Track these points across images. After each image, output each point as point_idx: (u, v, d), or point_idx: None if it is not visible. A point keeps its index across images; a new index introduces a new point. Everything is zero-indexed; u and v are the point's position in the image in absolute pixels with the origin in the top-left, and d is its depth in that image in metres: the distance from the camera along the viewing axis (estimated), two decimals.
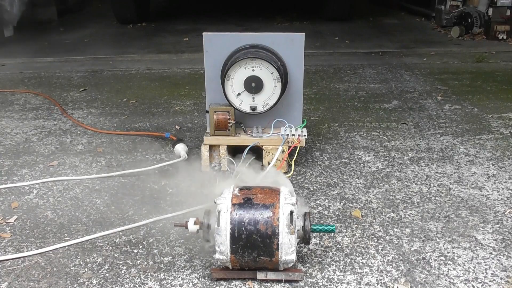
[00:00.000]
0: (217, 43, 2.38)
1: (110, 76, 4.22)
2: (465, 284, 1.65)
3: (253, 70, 2.30)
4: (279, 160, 2.34)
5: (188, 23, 6.52)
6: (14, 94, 3.76)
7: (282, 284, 1.65)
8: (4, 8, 5.44)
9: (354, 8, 6.58)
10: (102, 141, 2.85)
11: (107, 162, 2.58)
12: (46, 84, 3.99)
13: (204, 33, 2.39)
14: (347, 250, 1.83)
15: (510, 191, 2.24)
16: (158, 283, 1.67)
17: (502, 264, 1.75)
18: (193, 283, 1.67)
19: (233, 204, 1.61)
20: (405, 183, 2.33)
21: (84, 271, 1.74)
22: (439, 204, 2.14)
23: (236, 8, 7.36)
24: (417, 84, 3.86)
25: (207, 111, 2.42)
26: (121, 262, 1.79)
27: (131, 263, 1.78)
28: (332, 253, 1.81)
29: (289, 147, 2.35)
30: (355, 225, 1.99)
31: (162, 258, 1.80)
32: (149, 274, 1.72)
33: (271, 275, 1.65)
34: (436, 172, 2.43)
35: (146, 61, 4.73)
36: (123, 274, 1.72)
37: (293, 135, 2.36)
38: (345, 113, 3.26)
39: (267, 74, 2.30)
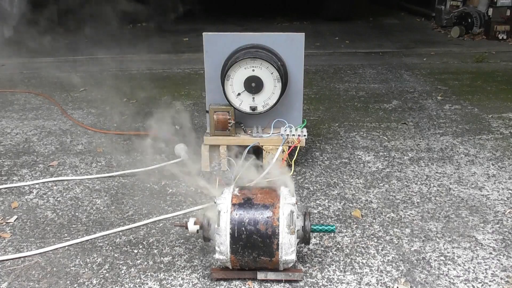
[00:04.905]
0: (217, 43, 2.38)
1: (110, 76, 4.21)
2: (465, 284, 1.65)
3: (253, 70, 2.30)
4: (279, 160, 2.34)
5: (188, 23, 6.51)
6: (14, 94, 3.76)
7: (282, 284, 1.65)
8: (4, 8, 5.44)
9: (354, 8, 6.58)
10: (102, 141, 2.85)
11: (107, 162, 2.58)
12: (46, 84, 3.99)
13: (204, 33, 2.39)
14: (347, 250, 1.83)
15: (510, 191, 2.24)
16: (158, 283, 1.67)
17: (502, 264, 1.75)
18: (193, 283, 1.67)
19: (233, 204, 1.61)
20: (405, 183, 2.33)
21: (84, 271, 1.74)
22: (439, 204, 2.14)
23: (236, 8, 7.36)
24: (417, 84, 3.86)
25: (207, 111, 2.42)
26: (121, 262, 1.79)
27: (131, 263, 1.78)
28: (332, 253, 1.81)
29: (289, 147, 2.35)
30: (355, 225, 1.99)
31: (162, 258, 1.80)
32: (149, 274, 1.72)
33: (271, 275, 1.65)
34: (436, 172, 2.43)
35: (146, 61, 4.73)
36: (123, 274, 1.72)
37: (293, 135, 2.36)
38: (345, 113, 3.25)
39: (267, 74, 2.30)
